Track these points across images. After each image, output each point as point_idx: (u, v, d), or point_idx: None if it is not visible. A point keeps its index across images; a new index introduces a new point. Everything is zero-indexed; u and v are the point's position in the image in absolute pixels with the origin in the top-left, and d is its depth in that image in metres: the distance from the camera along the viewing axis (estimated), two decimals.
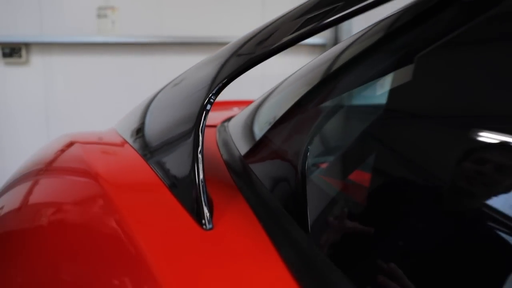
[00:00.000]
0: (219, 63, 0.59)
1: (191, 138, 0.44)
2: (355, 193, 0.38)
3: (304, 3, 0.55)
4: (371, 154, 0.39)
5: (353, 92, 0.45)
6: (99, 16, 3.59)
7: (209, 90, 0.47)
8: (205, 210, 0.37)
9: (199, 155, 0.41)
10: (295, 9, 0.56)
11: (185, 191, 0.42)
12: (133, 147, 0.76)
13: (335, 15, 0.43)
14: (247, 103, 1.86)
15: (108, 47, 3.62)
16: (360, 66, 0.46)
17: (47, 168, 0.80)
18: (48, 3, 3.43)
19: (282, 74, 3.79)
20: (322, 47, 3.87)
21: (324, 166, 0.43)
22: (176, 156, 0.52)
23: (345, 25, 3.63)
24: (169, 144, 0.58)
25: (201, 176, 0.40)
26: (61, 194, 0.72)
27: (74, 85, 3.59)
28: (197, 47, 3.75)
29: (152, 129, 0.72)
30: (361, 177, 0.38)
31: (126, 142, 0.85)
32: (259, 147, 0.55)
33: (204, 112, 0.45)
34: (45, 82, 3.53)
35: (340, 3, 0.42)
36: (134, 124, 0.86)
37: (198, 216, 0.38)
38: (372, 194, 0.35)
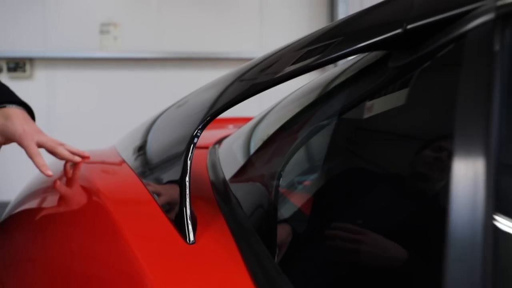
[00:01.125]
0: (211, 96, 0.69)
1: (181, 166, 0.53)
2: (316, 218, 0.48)
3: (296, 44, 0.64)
4: (331, 184, 0.49)
5: (317, 127, 0.54)
6: (102, 32, 3.73)
7: (198, 124, 0.57)
8: (189, 227, 0.47)
9: (187, 182, 0.51)
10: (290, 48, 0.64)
11: (173, 210, 0.51)
12: (130, 166, 0.86)
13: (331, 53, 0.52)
14: (242, 120, 1.96)
15: (110, 62, 3.74)
16: (319, 108, 0.56)
17: (54, 184, 0.89)
18: (52, 19, 3.57)
19: (278, 88, 3.91)
20: None
21: (291, 192, 0.53)
22: (167, 178, 0.62)
23: None
24: (162, 167, 0.68)
25: (187, 199, 0.49)
26: (65, 208, 0.83)
27: (77, 99, 3.71)
28: (196, 62, 3.87)
29: (148, 151, 0.82)
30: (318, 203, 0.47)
31: (124, 161, 0.95)
32: (240, 172, 0.64)
33: (192, 144, 0.54)
34: (48, 96, 3.65)
35: (339, 38, 0.50)
36: (132, 145, 0.96)
37: (183, 232, 0.47)
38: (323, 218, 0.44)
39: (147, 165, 0.75)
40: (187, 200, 0.49)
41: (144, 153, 0.84)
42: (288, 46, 0.65)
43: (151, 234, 0.51)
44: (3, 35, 3.57)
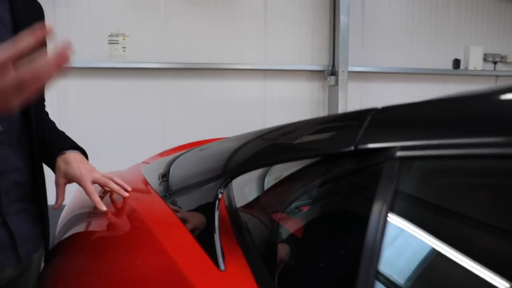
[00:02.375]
0: (233, 149, 0.93)
1: (212, 216, 0.78)
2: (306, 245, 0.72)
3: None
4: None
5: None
6: (111, 42, 3.98)
7: (222, 182, 0.81)
8: (221, 259, 0.71)
9: (217, 224, 0.75)
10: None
11: (206, 240, 0.75)
12: (160, 196, 1.11)
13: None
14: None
15: (118, 72, 3.99)
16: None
17: (100, 211, 1.15)
18: (62, 30, 3.81)
19: (282, 98, 4.26)
20: (321, 72, 4.23)
21: (289, 228, 0.77)
22: (201, 214, 0.86)
23: (342, 54, 4.00)
24: (195, 203, 0.93)
25: (218, 241, 0.74)
26: (116, 231, 1.08)
27: (86, 107, 3.95)
28: (201, 72, 4.12)
29: (180, 187, 1.07)
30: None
31: (153, 189, 1.19)
32: (250, 206, 0.88)
33: (217, 200, 0.79)
34: (59, 104, 3.88)
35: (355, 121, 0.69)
36: (158, 174, 1.21)
37: (215, 260, 0.71)
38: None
39: (181, 201, 1.00)
40: (218, 241, 0.73)
41: (177, 188, 1.10)
42: (307, 122, 0.87)
43: (189, 260, 0.76)
44: None
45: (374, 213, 0.53)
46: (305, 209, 0.77)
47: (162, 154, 1.89)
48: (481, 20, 4.55)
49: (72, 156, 1.05)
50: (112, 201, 1.13)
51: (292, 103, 4.24)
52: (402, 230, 0.53)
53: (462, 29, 4.52)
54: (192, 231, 0.86)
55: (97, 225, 1.15)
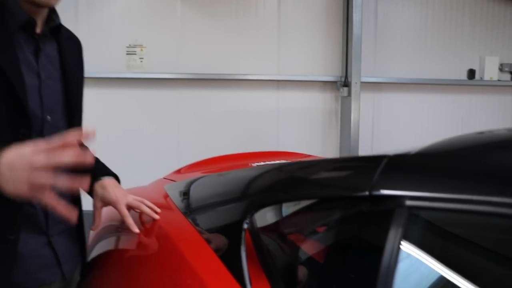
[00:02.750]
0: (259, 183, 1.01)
1: (239, 243, 0.86)
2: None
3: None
4: None
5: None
6: (129, 53, 4.11)
7: (248, 212, 0.89)
8: (248, 282, 0.80)
9: (244, 253, 0.84)
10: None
11: (233, 264, 0.84)
12: (186, 217, 1.19)
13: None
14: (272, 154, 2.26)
15: (136, 82, 4.12)
16: None
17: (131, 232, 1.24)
18: (83, 41, 3.95)
19: (295, 108, 4.38)
20: (334, 83, 4.30)
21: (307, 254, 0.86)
22: (227, 237, 0.95)
23: (355, 65, 4.07)
24: (221, 228, 1.02)
25: (245, 262, 0.82)
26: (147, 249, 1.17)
27: (105, 116, 4.08)
28: (216, 83, 4.22)
29: (207, 210, 1.16)
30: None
31: (180, 211, 1.28)
32: (271, 229, 0.97)
33: (243, 231, 0.87)
34: None
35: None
36: (188, 198, 1.30)
37: (243, 284, 0.80)
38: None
39: (207, 224, 1.09)
40: (246, 267, 0.82)
41: (197, 207, 1.19)
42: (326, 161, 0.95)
43: (217, 282, 0.84)
44: None
45: (385, 254, 0.61)
46: (322, 238, 0.85)
47: (184, 170, 1.99)
48: (496, 30, 4.57)
49: (107, 182, 1.16)
50: (142, 221, 1.23)
51: (305, 114, 4.31)
52: (412, 268, 0.61)
53: (477, 38, 4.54)
54: (217, 252, 0.94)
55: (129, 243, 1.25)
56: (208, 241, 1.01)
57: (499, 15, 4.54)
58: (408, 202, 0.62)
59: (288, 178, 0.93)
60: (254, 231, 0.90)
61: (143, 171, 3.40)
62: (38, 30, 1.01)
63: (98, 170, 1.19)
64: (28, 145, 0.80)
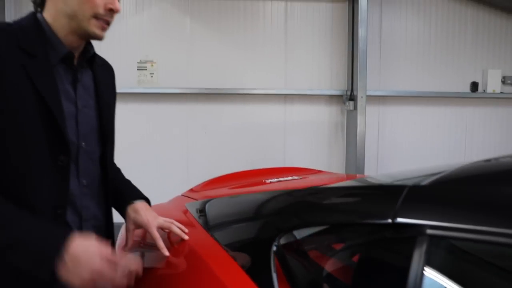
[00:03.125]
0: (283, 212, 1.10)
1: (268, 262, 0.94)
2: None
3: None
4: None
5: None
6: (140, 69, 4.23)
7: (275, 235, 0.98)
8: None
9: (274, 273, 0.92)
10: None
11: (264, 282, 0.92)
12: (212, 236, 1.28)
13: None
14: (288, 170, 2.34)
15: (146, 97, 4.23)
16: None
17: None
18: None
19: (302, 121, 4.49)
20: (339, 97, 4.40)
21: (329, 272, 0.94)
22: (255, 257, 1.03)
23: (360, 80, 4.17)
24: (249, 250, 1.10)
25: (276, 283, 0.90)
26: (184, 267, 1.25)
27: (116, 130, 4.18)
28: (224, 97, 4.33)
29: (233, 230, 1.25)
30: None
31: (205, 230, 1.37)
32: (296, 248, 1.06)
33: (272, 252, 0.95)
34: None
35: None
36: (213, 219, 1.39)
37: None
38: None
39: (235, 244, 1.17)
40: (275, 284, 0.90)
41: (223, 227, 1.28)
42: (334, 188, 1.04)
43: None
44: None
45: (409, 278, 0.70)
46: (346, 261, 0.93)
47: (201, 188, 2.07)
48: (498, 43, 4.68)
49: (139, 205, 1.25)
50: (171, 241, 1.32)
51: (311, 127, 4.41)
52: None
53: (479, 52, 4.65)
54: (246, 271, 1.03)
55: (161, 262, 1.34)
56: (236, 260, 1.09)
57: (500, 28, 4.66)
58: (429, 231, 0.71)
59: (316, 204, 1.02)
60: (282, 252, 0.99)
61: (153, 184, 3.49)
62: (75, 61, 1.10)
63: (130, 194, 1.28)
64: (93, 242, 0.94)
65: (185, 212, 1.63)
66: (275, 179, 2.14)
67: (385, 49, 4.49)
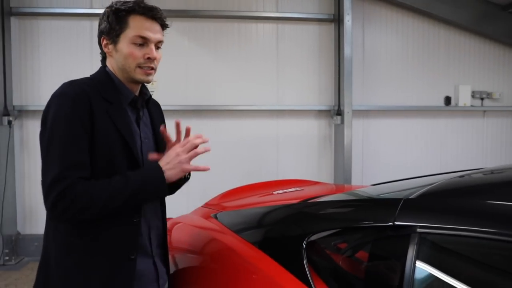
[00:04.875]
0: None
1: (301, 257, 1.28)
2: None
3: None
4: None
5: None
6: None
7: (304, 236, 1.31)
8: (311, 281, 1.21)
9: (306, 264, 1.25)
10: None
11: (299, 272, 1.25)
12: (247, 241, 1.61)
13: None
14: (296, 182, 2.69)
15: None
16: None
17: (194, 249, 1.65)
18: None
19: (293, 135, 4.95)
20: (327, 111, 4.80)
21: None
22: (290, 255, 1.37)
23: (347, 96, 4.57)
24: (283, 249, 1.43)
25: (308, 272, 1.23)
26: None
27: None
28: (220, 113, 4.66)
29: (265, 234, 1.58)
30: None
31: (239, 236, 1.69)
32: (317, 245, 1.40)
33: (303, 249, 1.29)
34: None
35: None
36: (247, 227, 1.71)
37: (308, 284, 1.21)
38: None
39: (269, 244, 1.51)
40: (310, 276, 1.23)
41: (258, 233, 1.61)
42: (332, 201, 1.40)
43: (287, 285, 1.25)
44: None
45: (406, 265, 1.05)
46: (359, 253, 1.29)
47: (220, 199, 2.40)
48: (468, 61, 5.19)
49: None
50: (212, 248, 1.64)
51: (302, 140, 4.79)
52: (421, 274, 1.05)
53: (451, 69, 5.15)
54: (280, 263, 1.36)
55: (205, 262, 1.65)
56: (271, 256, 1.43)
57: (469, 48, 5.17)
58: (419, 229, 1.07)
59: (334, 212, 1.37)
60: (310, 248, 1.34)
61: None
62: (138, 103, 1.42)
63: None
64: (167, 159, 1.31)
65: (213, 220, 1.96)
66: (281, 191, 2.50)
67: (368, 66, 4.92)
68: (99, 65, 1.44)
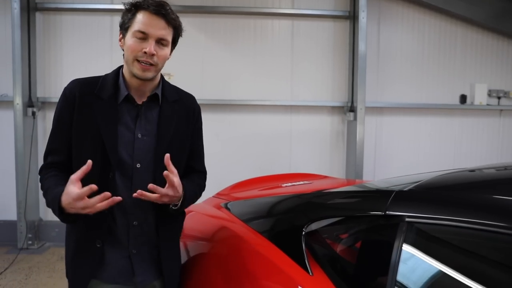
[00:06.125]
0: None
1: (300, 242, 1.39)
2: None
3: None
4: None
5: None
6: None
7: (303, 223, 1.42)
8: (309, 267, 1.32)
9: (304, 249, 1.36)
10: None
11: (297, 256, 1.35)
12: (254, 229, 1.73)
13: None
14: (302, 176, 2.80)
15: None
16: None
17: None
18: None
19: (306, 131, 5.07)
20: (341, 108, 4.87)
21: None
22: (287, 240, 1.48)
23: (360, 93, 4.63)
24: (284, 235, 1.55)
25: (305, 257, 1.34)
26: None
27: None
28: (235, 107, 4.79)
29: (269, 221, 1.70)
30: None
31: (247, 225, 1.81)
32: (317, 231, 1.50)
33: (302, 236, 1.40)
34: None
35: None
36: (254, 216, 1.83)
37: (305, 268, 1.31)
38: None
39: (272, 229, 1.62)
40: (306, 257, 1.34)
41: (263, 220, 1.73)
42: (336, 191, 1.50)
43: (290, 267, 1.36)
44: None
45: (394, 250, 1.15)
46: (353, 240, 1.39)
47: (229, 190, 2.52)
48: (485, 59, 5.16)
49: None
50: (219, 231, 1.77)
51: (314, 135, 4.88)
52: (409, 258, 1.15)
53: (468, 67, 5.14)
54: (281, 249, 1.47)
55: (216, 249, 1.78)
56: (273, 242, 1.54)
57: (487, 46, 5.15)
58: (407, 219, 1.17)
59: (332, 202, 1.48)
60: (308, 235, 1.45)
61: None
62: (140, 101, 1.42)
63: None
64: (71, 188, 1.27)
65: (222, 209, 2.08)
66: (289, 184, 2.61)
67: (382, 63, 4.96)
68: (118, 59, 1.52)
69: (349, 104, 4.75)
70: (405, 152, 5.03)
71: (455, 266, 1.04)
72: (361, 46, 4.60)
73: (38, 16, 4.55)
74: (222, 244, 1.74)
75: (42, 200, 4.63)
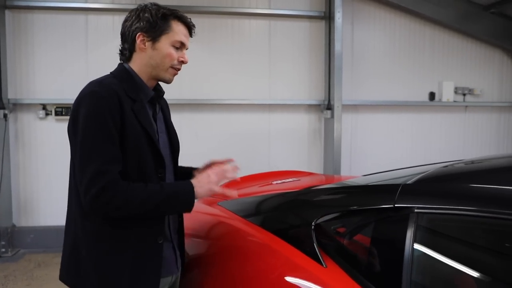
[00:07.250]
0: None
1: (310, 236, 1.44)
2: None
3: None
4: None
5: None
6: None
7: (313, 218, 1.47)
8: (322, 260, 1.37)
9: (315, 242, 1.42)
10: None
11: (309, 250, 1.40)
12: (257, 225, 1.77)
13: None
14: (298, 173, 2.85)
15: None
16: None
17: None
18: (93, 71, 4.40)
19: (284, 129, 5.17)
20: (317, 106, 4.99)
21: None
22: (297, 235, 1.53)
23: (337, 91, 4.76)
24: (294, 230, 1.59)
25: (317, 250, 1.40)
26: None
27: None
28: (214, 107, 4.79)
29: (274, 217, 1.74)
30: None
31: (249, 221, 1.85)
32: (329, 224, 1.57)
33: (313, 230, 1.45)
34: None
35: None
36: (257, 212, 1.87)
37: (319, 261, 1.37)
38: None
39: (279, 225, 1.66)
40: (318, 250, 1.39)
41: (268, 216, 1.77)
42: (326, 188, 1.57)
43: (303, 261, 1.41)
44: (52, 85, 4.38)
45: (406, 239, 1.23)
46: (364, 232, 1.46)
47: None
48: (451, 58, 5.43)
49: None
50: (222, 230, 1.80)
51: (293, 133, 4.97)
52: (420, 248, 1.23)
53: (436, 65, 5.39)
54: (294, 245, 1.51)
55: (220, 246, 1.80)
56: (280, 237, 1.58)
57: (453, 45, 5.41)
58: (416, 210, 1.25)
59: (342, 197, 1.54)
60: (318, 229, 1.50)
61: None
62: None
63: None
64: (201, 179, 1.45)
65: (220, 208, 2.11)
66: (279, 181, 2.66)
67: (356, 62, 5.12)
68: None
69: (326, 102, 4.87)
70: (380, 148, 5.22)
71: (465, 252, 1.13)
72: (337, 45, 4.72)
73: (8, 15, 4.37)
74: (226, 242, 1.76)
75: (15, 205, 4.49)
